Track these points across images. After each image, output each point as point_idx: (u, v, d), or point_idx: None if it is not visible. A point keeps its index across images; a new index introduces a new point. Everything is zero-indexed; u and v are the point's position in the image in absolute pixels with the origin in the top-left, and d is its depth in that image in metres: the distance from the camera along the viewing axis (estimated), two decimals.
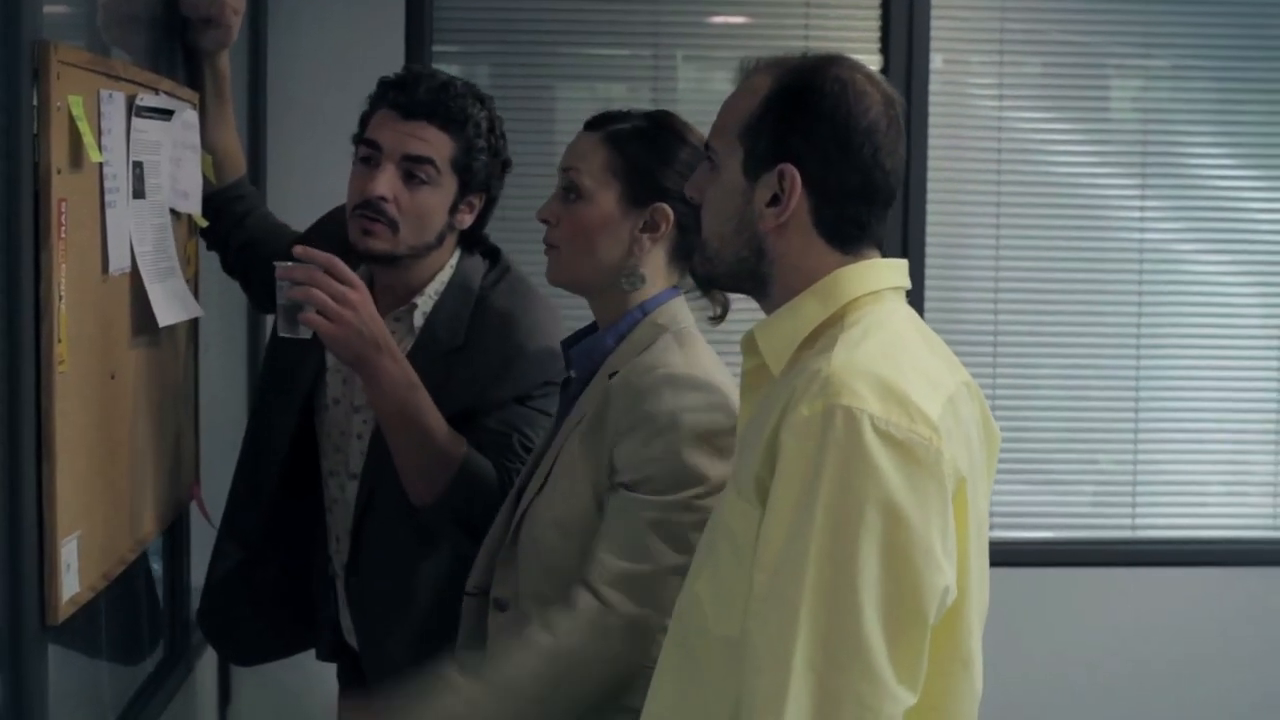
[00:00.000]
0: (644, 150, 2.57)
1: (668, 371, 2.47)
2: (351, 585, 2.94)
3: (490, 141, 2.89)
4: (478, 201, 2.92)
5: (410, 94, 2.84)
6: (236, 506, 3.09)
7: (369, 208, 2.83)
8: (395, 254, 2.87)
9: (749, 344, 2.09)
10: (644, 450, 2.41)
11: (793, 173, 2.00)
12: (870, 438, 1.81)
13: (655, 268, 2.57)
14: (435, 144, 2.84)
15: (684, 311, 2.60)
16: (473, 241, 2.99)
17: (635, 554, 2.39)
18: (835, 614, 1.79)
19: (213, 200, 3.11)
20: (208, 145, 3.11)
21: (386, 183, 2.82)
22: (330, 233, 2.97)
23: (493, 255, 3.02)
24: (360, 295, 2.70)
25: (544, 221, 2.60)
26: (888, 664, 1.79)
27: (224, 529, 3.10)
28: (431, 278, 2.93)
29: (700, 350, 2.54)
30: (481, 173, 2.88)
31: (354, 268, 2.95)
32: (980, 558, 2.02)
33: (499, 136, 2.92)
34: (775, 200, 2.02)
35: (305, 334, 2.71)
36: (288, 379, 3.03)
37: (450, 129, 2.84)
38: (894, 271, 2.07)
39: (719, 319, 2.63)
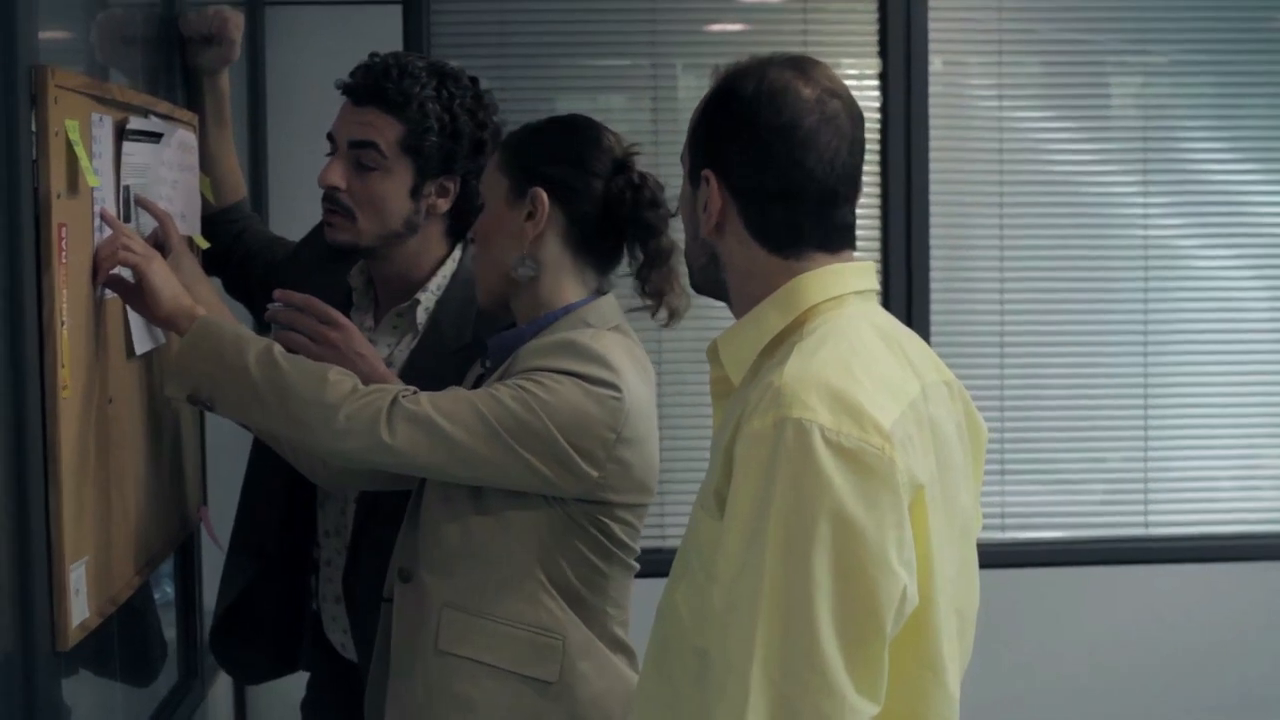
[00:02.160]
0: (525, 143, 2.62)
1: (569, 339, 2.51)
2: (351, 587, 2.90)
3: (444, 121, 2.82)
4: (451, 185, 2.85)
5: (356, 80, 2.84)
6: (247, 517, 3.07)
7: (326, 199, 2.84)
8: (360, 244, 2.85)
9: (713, 353, 2.08)
10: (516, 374, 2.51)
11: (711, 177, 2.01)
12: (821, 449, 1.80)
13: (551, 256, 2.59)
14: (379, 128, 2.80)
15: (614, 311, 2.62)
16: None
17: (450, 411, 2.46)
18: (791, 627, 1.78)
19: (207, 224, 3.10)
20: (207, 169, 3.11)
21: (335, 172, 2.82)
22: (323, 241, 2.96)
23: None
24: (342, 333, 2.71)
25: (472, 241, 2.70)
26: (845, 675, 1.78)
27: (235, 545, 3.08)
28: (433, 272, 2.90)
29: (615, 341, 2.56)
30: (436, 153, 2.82)
31: (351, 265, 2.96)
32: (955, 562, 2.01)
33: (458, 115, 2.83)
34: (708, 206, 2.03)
35: None
36: None
37: (394, 111, 2.80)
38: (857, 276, 2.04)
39: (662, 320, 2.67)
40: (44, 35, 2.22)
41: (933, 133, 4.75)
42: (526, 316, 2.61)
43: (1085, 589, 4.85)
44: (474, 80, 2.91)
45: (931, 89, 4.74)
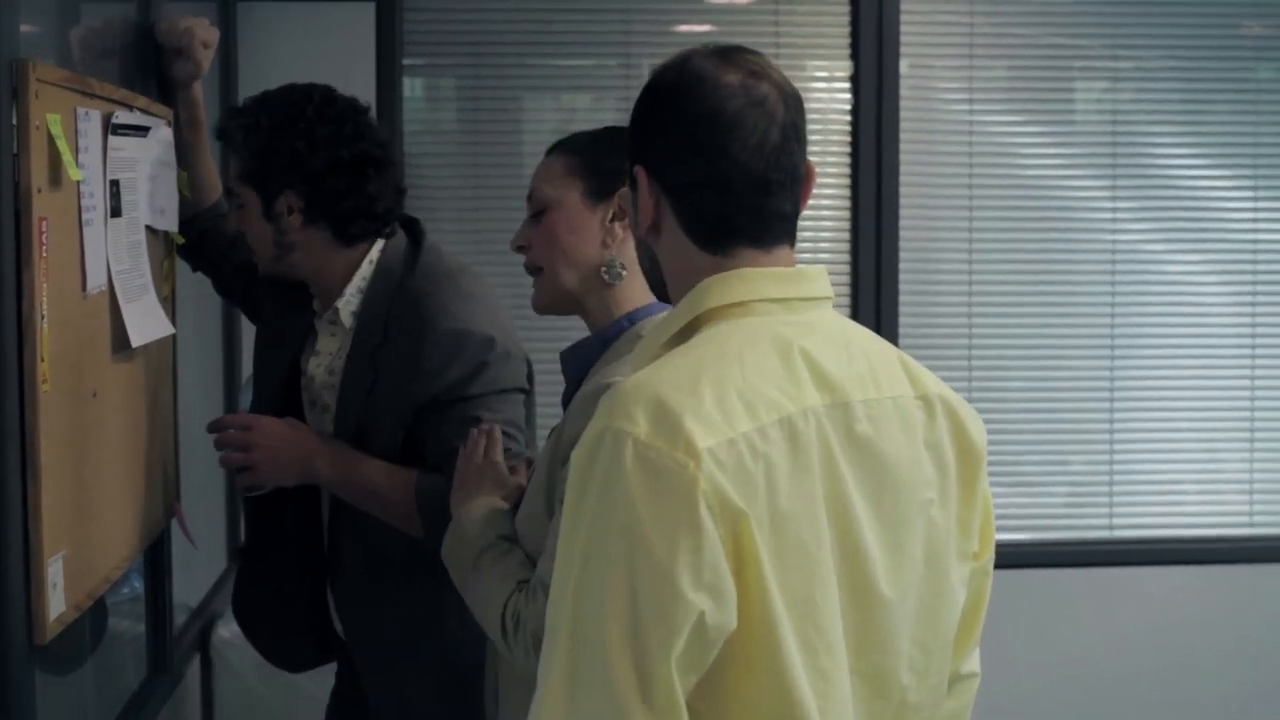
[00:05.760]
0: (597, 147, 2.54)
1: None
2: (334, 580, 2.99)
3: (251, 144, 2.88)
4: (288, 198, 2.88)
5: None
6: (257, 522, 3.15)
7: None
8: (269, 270, 2.98)
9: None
10: None
11: (640, 172, 1.96)
12: (630, 463, 1.73)
13: (634, 259, 2.50)
14: (231, 170, 2.95)
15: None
16: (384, 227, 2.95)
17: None
18: (585, 643, 1.72)
19: (199, 223, 3.15)
20: (185, 171, 3.11)
21: (232, 219, 3.00)
22: None
23: (414, 233, 3.00)
24: (255, 432, 2.86)
25: (520, 250, 2.54)
26: (637, 696, 1.70)
27: (249, 551, 3.19)
28: (349, 275, 2.93)
29: None
30: (258, 175, 2.88)
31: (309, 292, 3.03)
32: (912, 594, 1.90)
33: (263, 133, 2.87)
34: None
35: (259, 490, 2.95)
36: (265, 387, 3.09)
37: (229, 150, 2.97)
38: (775, 283, 1.92)
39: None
40: (24, 29, 2.22)
41: (903, 135, 4.76)
42: (598, 323, 2.50)
43: (1050, 591, 4.88)
44: (307, 95, 2.91)
45: (902, 91, 4.76)
